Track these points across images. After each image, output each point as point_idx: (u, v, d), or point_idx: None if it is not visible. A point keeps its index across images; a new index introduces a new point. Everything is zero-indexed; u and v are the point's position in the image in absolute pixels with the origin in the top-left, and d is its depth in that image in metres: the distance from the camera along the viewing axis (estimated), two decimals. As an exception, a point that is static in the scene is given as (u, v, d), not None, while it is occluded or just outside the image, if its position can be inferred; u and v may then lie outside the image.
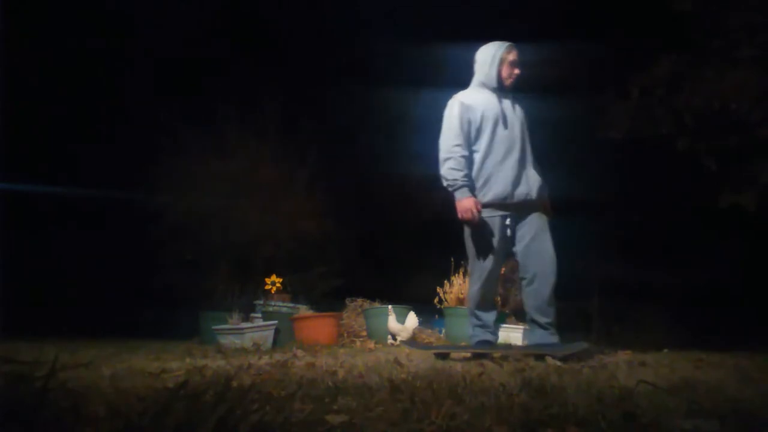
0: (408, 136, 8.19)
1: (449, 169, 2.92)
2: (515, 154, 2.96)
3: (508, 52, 3.03)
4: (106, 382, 1.59)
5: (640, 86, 5.88)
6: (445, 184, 2.96)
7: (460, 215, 2.90)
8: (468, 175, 2.92)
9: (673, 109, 5.73)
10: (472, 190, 2.92)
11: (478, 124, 2.95)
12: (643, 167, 7.12)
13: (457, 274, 5.04)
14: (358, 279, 6.74)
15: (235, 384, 1.40)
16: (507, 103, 3.05)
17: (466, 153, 2.93)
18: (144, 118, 6.92)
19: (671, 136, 5.80)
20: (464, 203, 2.86)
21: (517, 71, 3.04)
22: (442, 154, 2.95)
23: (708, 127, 5.60)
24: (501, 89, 3.04)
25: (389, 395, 1.28)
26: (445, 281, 5.08)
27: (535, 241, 2.97)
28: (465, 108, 2.95)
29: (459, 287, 4.95)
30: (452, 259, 5.09)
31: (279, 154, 6.92)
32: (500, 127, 2.96)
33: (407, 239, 8.51)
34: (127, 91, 7.35)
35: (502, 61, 3.01)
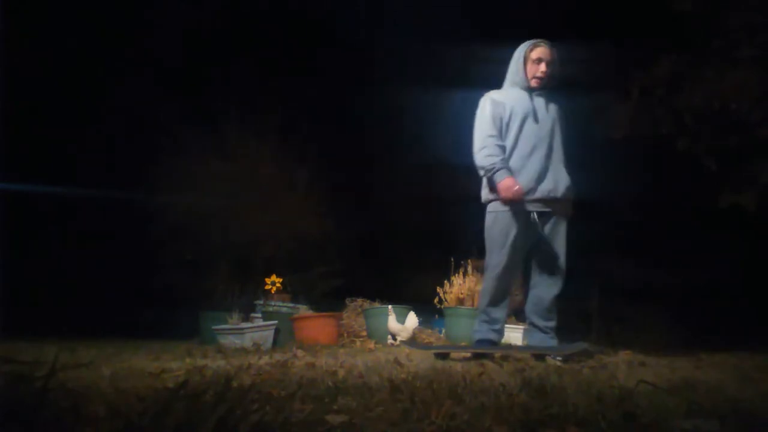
0: (409, 136, 8.20)
1: (485, 156, 2.97)
2: (542, 151, 2.99)
3: (531, 49, 3.05)
4: (106, 382, 1.59)
5: (640, 86, 5.88)
6: (482, 173, 3.01)
7: (502, 195, 2.93)
8: (505, 159, 2.97)
9: (673, 109, 5.73)
10: (511, 171, 2.95)
11: (507, 120, 3.00)
12: (643, 167, 7.12)
13: (457, 274, 5.04)
14: (358, 279, 6.74)
15: (235, 384, 1.39)
16: (539, 101, 3.06)
17: (500, 142, 3.00)
18: (144, 118, 6.93)
19: (671, 136, 5.80)
20: (505, 182, 2.90)
21: (542, 69, 3.03)
22: (477, 145, 3.01)
23: (708, 127, 5.60)
24: (530, 88, 3.06)
25: (389, 395, 1.28)
26: (445, 281, 5.08)
27: (549, 247, 2.97)
28: (495, 104, 3.02)
29: (459, 287, 4.95)
30: (452, 259, 5.09)
31: (279, 154, 6.92)
32: (528, 124, 2.99)
33: (407, 239, 8.51)
34: (127, 91, 7.35)
35: (525, 60, 3.05)
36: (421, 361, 2.48)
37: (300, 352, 3.23)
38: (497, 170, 2.92)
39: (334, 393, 1.34)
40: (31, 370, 0.97)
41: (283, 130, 6.96)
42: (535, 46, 3.05)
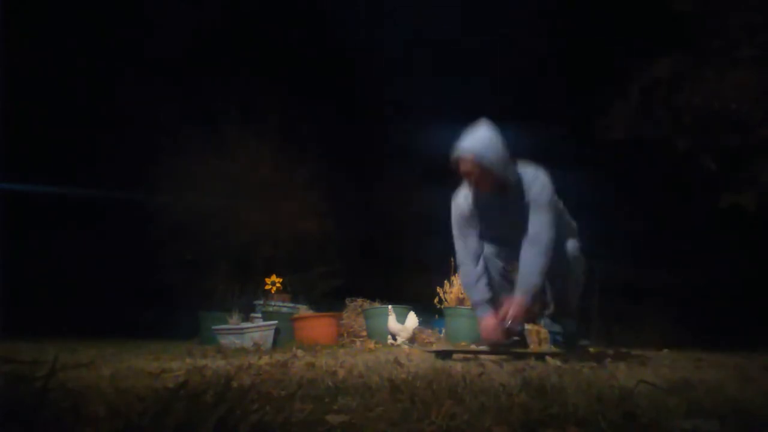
0: (408, 136, 8.20)
1: (464, 287, 2.87)
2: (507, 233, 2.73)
3: (456, 163, 2.59)
4: (106, 382, 1.59)
5: (640, 86, 5.89)
6: None
7: (482, 334, 2.72)
8: (479, 289, 2.73)
9: (673, 109, 5.74)
10: (494, 300, 2.71)
11: (468, 216, 2.78)
12: (643, 167, 7.12)
13: (457, 274, 5.04)
14: (358, 279, 6.75)
15: (235, 384, 1.39)
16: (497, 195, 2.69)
17: (469, 263, 2.76)
18: (144, 118, 6.93)
19: (671, 136, 5.80)
20: (483, 323, 2.69)
21: (474, 181, 2.61)
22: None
23: (708, 127, 5.61)
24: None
25: (389, 395, 1.28)
26: (445, 281, 5.08)
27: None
28: (456, 207, 2.82)
29: (459, 287, 4.95)
30: (452, 259, 5.09)
31: (279, 154, 6.93)
32: (491, 215, 2.75)
33: (407, 239, 8.52)
34: (128, 91, 7.35)
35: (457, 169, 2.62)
36: (421, 361, 2.47)
37: (300, 352, 3.23)
38: (475, 305, 2.75)
39: (334, 393, 1.34)
40: (31, 370, 0.97)
41: (283, 130, 6.96)
42: (458, 160, 2.58)
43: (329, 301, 5.95)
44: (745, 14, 5.24)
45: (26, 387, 0.91)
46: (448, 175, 2.79)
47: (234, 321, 4.68)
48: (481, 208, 2.74)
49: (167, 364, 2.38)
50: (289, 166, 6.96)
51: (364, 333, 5.04)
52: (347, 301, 5.71)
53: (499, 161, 2.55)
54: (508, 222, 2.68)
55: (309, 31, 8.68)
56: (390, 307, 4.71)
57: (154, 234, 6.29)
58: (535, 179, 2.64)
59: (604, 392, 1.31)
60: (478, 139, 2.56)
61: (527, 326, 4.88)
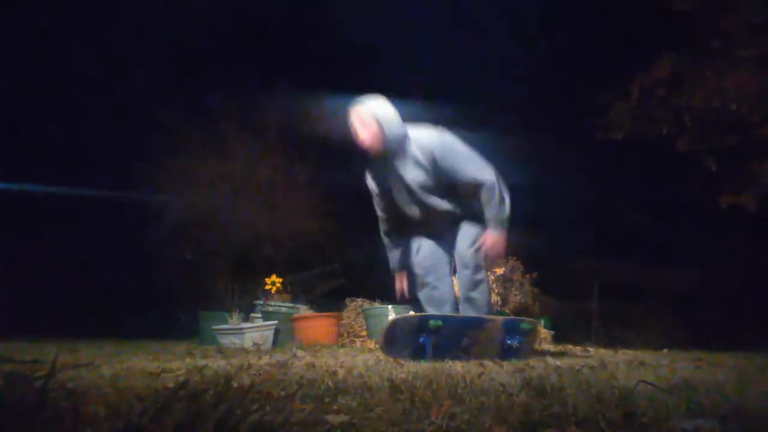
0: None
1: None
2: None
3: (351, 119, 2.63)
4: (106, 382, 1.59)
5: (640, 86, 5.89)
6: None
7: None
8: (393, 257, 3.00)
9: (673, 109, 5.74)
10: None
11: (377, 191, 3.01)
12: (643, 167, 7.12)
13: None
14: (358, 279, 6.75)
15: (235, 384, 1.39)
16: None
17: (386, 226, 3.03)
18: (144, 117, 6.94)
19: (671, 136, 5.81)
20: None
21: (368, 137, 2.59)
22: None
23: (708, 127, 5.61)
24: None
25: (389, 395, 1.28)
26: (445, 281, 5.06)
27: None
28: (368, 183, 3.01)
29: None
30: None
31: (279, 154, 6.93)
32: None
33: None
34: (128, 91, 7.35)
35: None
36: (421, 361, 2.47)
37: (300, 352, 3.22)
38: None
39: (334, 393, 1.33)
40: (31, 370, 0.97)
41: (283, 130, 6.97)
42: (352, 116, 2.64)
43: (329, 301, 5.94)
44: (745, 14, 5.24)
45: (26, 387, 0.91)
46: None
47: (234, 321, 4.68)
48: (386, 182, 2.75)
49: (167, 364, 2.37)
50: (289, 166, 6.97)
51: (364, 333, 5.04)
52: (347, 301, 5.71)
53: (392, 118, 2.61)
54: (417, 200, 2.68)
55: (309, 30, 8.68)
56: (390, 306, 4.71)
57: (154, 234, 6.29)
58: (435, 143, 2.59)
59: (604, 392, 1.31)
60: (370, 99, 2.67)
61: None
